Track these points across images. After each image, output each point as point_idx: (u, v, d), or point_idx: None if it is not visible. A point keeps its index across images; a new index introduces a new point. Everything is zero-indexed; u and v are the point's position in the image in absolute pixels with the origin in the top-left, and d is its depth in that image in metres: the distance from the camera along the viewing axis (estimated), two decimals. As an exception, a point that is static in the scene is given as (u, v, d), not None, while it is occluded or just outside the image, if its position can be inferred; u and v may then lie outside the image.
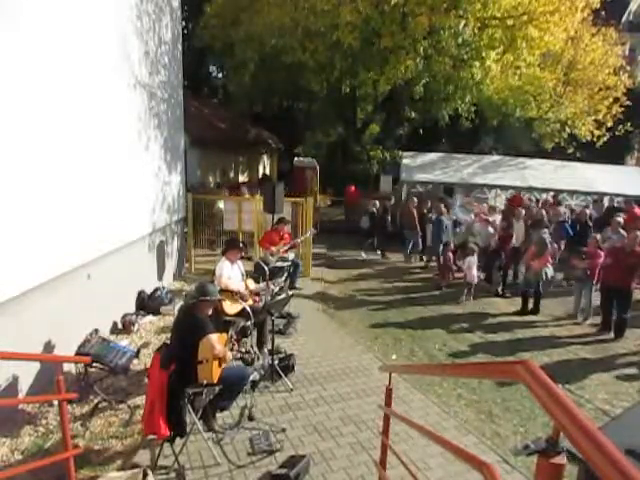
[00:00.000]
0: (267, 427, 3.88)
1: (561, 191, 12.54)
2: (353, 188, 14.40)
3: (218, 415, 3.86)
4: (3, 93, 3.62)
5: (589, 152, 17.40)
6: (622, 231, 8.33)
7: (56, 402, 3.59)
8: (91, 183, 5.00)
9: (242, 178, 18.43)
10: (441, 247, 9.47)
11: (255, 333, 5.28)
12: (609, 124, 15.39)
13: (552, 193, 12.58)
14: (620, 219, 8.65)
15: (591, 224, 9.72)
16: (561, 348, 6.25)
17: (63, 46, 4.37)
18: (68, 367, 4.55)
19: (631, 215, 10.36)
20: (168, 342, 3.70)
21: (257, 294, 5.53)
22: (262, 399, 4.38)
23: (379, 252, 11.47)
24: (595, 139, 15.71)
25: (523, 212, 9.11)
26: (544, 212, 9.78)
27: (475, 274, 8.21)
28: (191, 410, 3.42)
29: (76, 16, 4.59)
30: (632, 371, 5.65)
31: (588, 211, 10.35)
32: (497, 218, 9.57)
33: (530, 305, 7.60)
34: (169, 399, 3.25)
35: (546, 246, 7.39)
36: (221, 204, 9.59)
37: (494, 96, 15.53)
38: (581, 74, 15.27)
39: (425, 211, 11.13)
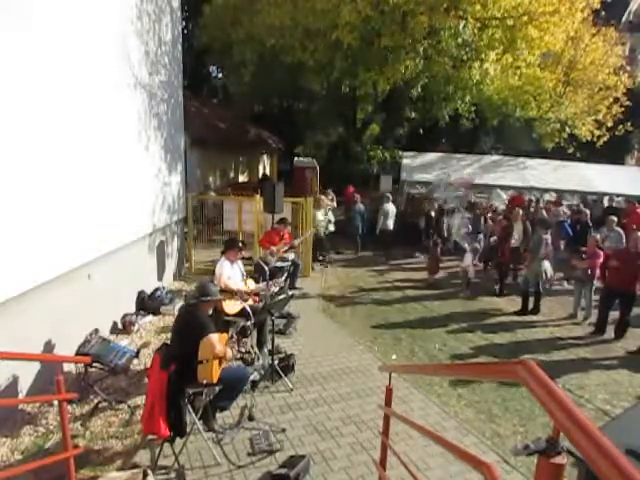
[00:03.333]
0: (267, 427, 3.88)
1: (561, 191, 12.52)
2: (351, 189, 14.43)
3: (218, 415, 3.86)
4: (4, 95, 3.62)
5: (589, 152, 17.40)
6: (618, 229, 8.34)
7: (56, 402, 3.59)
8: (91, 183, 5.01)
9: (242, 178, 18.41)
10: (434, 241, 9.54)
11: (255, 333, 5.28)
12: (609, 124, 15.38)
13: (552, 193, 12.57)
14: (614, 217, 8.66)
15: (591, 224, 9.73)
16: (561, 348, 6.25)
17: (62, 46, 4.37)
18: (68, 367, 4.56)
19: (631, 213, 10.40)
20: (168, 342, 3.70)
21: (257, 294, 5.53)
22: (262, 399, 4.38)
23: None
24: (595, 139, 15.70)
25: (521, 212, 9.10)
26: (544, 212, 9.78)
27: (473, 270, 8.26)
28: (191, 410, 3.43)
29: (77, 16, 4.59)
30: (632, 371, 5.65)
31: (588, 211, 10.36)
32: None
33: (530, 305, 7.60)
34: (169, 399, 3.25)
35: (539, 247, 7.36)
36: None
37: (494, 96, 15.52)
38: (581, 74, 15.25)
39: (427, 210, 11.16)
